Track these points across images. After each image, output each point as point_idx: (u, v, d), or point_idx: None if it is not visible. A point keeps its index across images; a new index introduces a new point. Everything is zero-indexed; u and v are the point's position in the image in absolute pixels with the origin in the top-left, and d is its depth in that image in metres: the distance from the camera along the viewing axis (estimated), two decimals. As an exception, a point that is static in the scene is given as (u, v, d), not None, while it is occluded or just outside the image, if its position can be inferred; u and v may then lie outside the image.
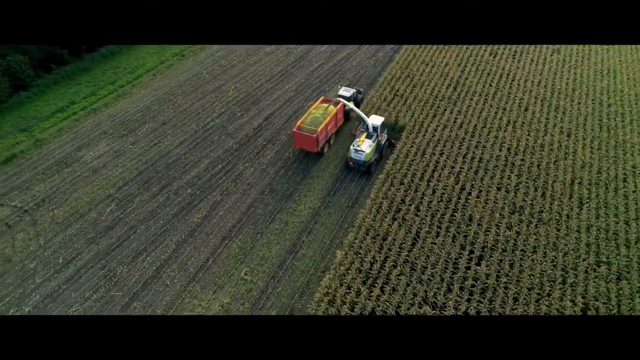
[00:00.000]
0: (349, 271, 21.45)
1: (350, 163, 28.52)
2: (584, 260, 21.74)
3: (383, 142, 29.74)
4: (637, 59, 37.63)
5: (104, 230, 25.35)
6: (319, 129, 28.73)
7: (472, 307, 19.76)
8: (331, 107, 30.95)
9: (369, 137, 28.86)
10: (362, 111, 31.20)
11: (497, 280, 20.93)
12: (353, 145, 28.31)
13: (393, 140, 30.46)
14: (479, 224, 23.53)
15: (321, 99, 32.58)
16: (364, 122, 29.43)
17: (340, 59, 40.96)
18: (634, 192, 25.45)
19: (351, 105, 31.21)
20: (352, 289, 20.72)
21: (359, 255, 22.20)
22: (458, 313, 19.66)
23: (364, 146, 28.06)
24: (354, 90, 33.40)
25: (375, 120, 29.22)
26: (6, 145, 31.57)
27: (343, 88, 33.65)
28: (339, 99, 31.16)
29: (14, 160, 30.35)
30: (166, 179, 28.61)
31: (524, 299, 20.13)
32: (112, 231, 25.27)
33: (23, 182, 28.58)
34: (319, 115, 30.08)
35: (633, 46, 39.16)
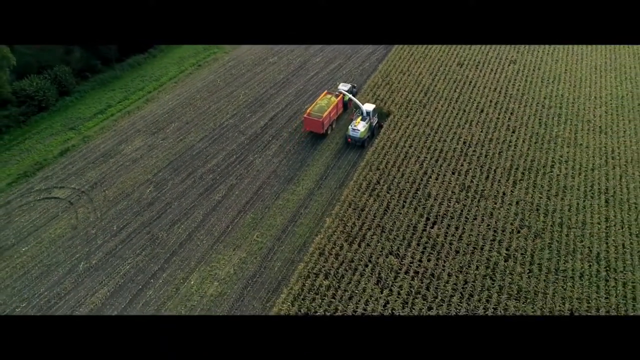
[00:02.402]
0: (335, 233, 28.80)
1: (349, 140, 36.58)
2: (511, 224, 29.08)
3: (374, 124, 37.88)
4: (579, 68, 44.88)
5: (146, 205, 32.62)
6: (324, 115, 36.71)
7: (424, 258, 27.12)
8: (333, 98, 39.36)
9: (363, 119, 36.69)
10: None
11: (444, 239, 28.26)
12: (351, 126, 36.30)
13: (382, 123, 38.36)
14: (435, 199, 30.85)
15: (325, 92, 40.51)
16: (360, 108, 37.29)
17: (332, 68, 48.21)
18: (558, 175, 32.77)
19: (350, 95, 39.22)
20: (336, 244, 28.06)
21: (343, 222, 29.52)
22: (414, 261, 26.97)
23: (359, 126, 36.05)
24: (350, 85, 42.00)
25: (368, 106, 37.23)
26: (59, 141, 38.83)
27: (342, 84, 42.39)
28: (340, 90, 39.94)
29: (68, 153, 37.59)
30: (192, 167, 35.87)
31: (463, 251, 27.47)
32: (153, 206, 32.54)
33: (77, 170, 35.83)
34: (324, 104, 38.25)
35: (578, 56, 46.36)
